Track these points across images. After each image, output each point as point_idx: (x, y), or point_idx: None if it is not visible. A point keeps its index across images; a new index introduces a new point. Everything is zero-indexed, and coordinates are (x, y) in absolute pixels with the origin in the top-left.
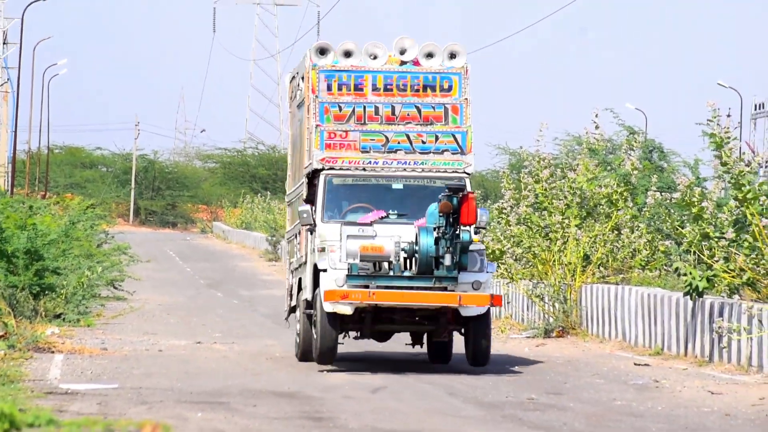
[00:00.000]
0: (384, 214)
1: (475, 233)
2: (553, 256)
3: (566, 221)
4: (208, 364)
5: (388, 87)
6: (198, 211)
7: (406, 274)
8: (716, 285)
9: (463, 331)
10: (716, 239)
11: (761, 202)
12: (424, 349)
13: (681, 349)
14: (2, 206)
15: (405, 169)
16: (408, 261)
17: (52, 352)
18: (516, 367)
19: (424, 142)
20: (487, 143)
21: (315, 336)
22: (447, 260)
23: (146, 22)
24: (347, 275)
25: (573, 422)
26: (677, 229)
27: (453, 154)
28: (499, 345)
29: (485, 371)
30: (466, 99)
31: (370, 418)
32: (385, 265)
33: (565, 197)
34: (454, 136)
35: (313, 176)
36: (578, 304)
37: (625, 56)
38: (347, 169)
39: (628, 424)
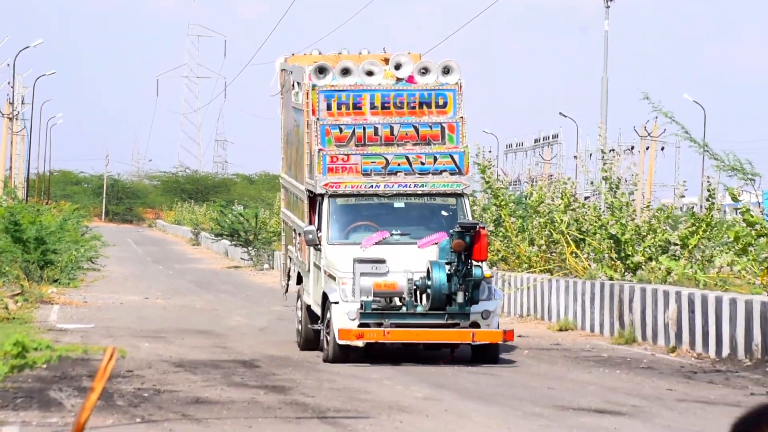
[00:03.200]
0: (387, 234)
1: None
2: None
3: None
4: (153, 312)
5: (386, 105)
6: (147, 213)
7: (419, 310)
8: None
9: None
10: None
11: (510, 208)
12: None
13: None
14: (20, 209)
15: (405, 191)
16: (418, 294)
17: (52, 303)
18: None
19: (423, 164)
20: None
21: (327, 346)
22: (459, 297)
23: (112, 89)
24: (361, 312)
25: (391, 349)
26: None
27: (451, 174)
28: None
29: None
30: (462, 117)
31: (258, 347)
32: (396, 299)
33: None
34: (452, 157)
35: (315, 194)
36: None
37: None
38: (349, 193)
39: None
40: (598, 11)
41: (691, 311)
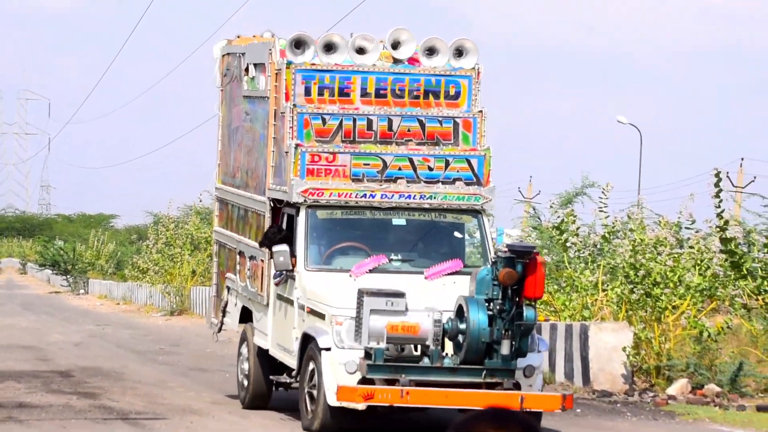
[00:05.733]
0: (385, 259)
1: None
2: (177, 270)
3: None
4: None
5: (381, 92)
6: None
7: (447, 363)
8: None
9: None
10: None
11: None
12: None
13: None
14: None
15: (408, 204)
16: (445, 341)
17: None
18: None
19: (431, 168)
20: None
21: (311, 408)
22: (504, 348)
23: None
24: (368, 365)
25: (184, 360)
26: None
27: (467, 184)
28: (144, 320)
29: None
30: (480, 112)
31: (73, 359)
32: (412, 347)
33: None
34: (468, 162)
35: (283, 204)
36: (189, 297)
37: None
38: (335, 204)
39: (215, 359)
40: None
41: None
